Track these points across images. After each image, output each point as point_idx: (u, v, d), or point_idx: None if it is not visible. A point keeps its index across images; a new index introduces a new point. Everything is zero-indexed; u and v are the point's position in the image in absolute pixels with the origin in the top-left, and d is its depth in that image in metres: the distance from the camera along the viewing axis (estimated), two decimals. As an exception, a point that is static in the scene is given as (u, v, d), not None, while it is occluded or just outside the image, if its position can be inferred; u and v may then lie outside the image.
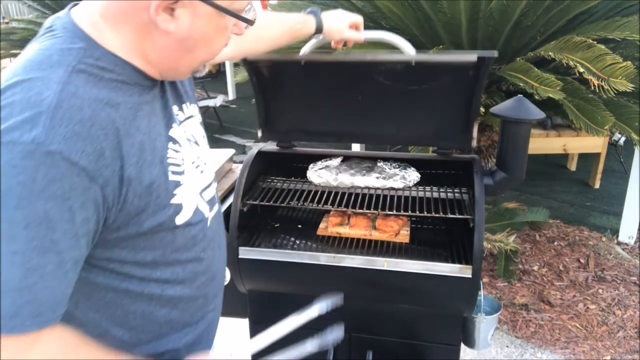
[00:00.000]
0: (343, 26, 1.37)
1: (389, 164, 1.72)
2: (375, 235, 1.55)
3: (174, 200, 0.82)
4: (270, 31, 1.26)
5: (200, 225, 0.90)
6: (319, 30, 1.33)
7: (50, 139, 0.64)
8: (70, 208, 0.66)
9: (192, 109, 0.98)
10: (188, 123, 0.94)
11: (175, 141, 0.86)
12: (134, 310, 0.85)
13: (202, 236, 0.91)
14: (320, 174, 1.67)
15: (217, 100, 6.43)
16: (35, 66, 0.70)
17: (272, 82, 1.69)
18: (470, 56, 1.42)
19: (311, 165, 1.73)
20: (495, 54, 1.38)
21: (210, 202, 0.95)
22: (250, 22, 0.81)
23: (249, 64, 1.60)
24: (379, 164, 1.72)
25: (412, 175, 1.65)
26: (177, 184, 0.83)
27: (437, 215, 1.50)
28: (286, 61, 1.57)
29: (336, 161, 1.75)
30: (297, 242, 1.61)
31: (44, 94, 0.66)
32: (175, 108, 0.91)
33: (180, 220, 0.84)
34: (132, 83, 0.77)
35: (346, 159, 1.77)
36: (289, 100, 1.73)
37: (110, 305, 0.83)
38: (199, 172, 0.91)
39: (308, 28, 1.31)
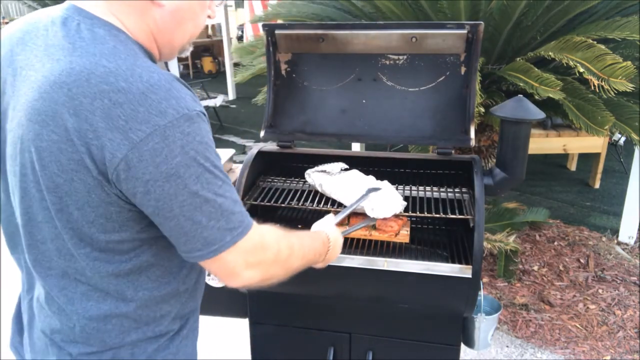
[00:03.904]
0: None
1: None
2: (375, 235, 1.55)
3: None
4: None
5: None
6: None
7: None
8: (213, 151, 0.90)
9: None
10: None
11: None
12: None
13: None
14: (315, 178, 1.64)
15: (217, 100, 6.44)
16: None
17: (285, 81, 1.72)
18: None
19: (308, 171, 1.69)
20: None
21: None
22: None
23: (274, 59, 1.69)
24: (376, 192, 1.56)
25: (396, 206, 1.52)
26: None
27: (437, 215, 1.50)
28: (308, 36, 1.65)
29: (337, 168, 1.66)
30: (297, 242, 1.61)
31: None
32: None
33: None
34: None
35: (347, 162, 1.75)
36: (293, 100, 1.73)
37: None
38: None
39: None
